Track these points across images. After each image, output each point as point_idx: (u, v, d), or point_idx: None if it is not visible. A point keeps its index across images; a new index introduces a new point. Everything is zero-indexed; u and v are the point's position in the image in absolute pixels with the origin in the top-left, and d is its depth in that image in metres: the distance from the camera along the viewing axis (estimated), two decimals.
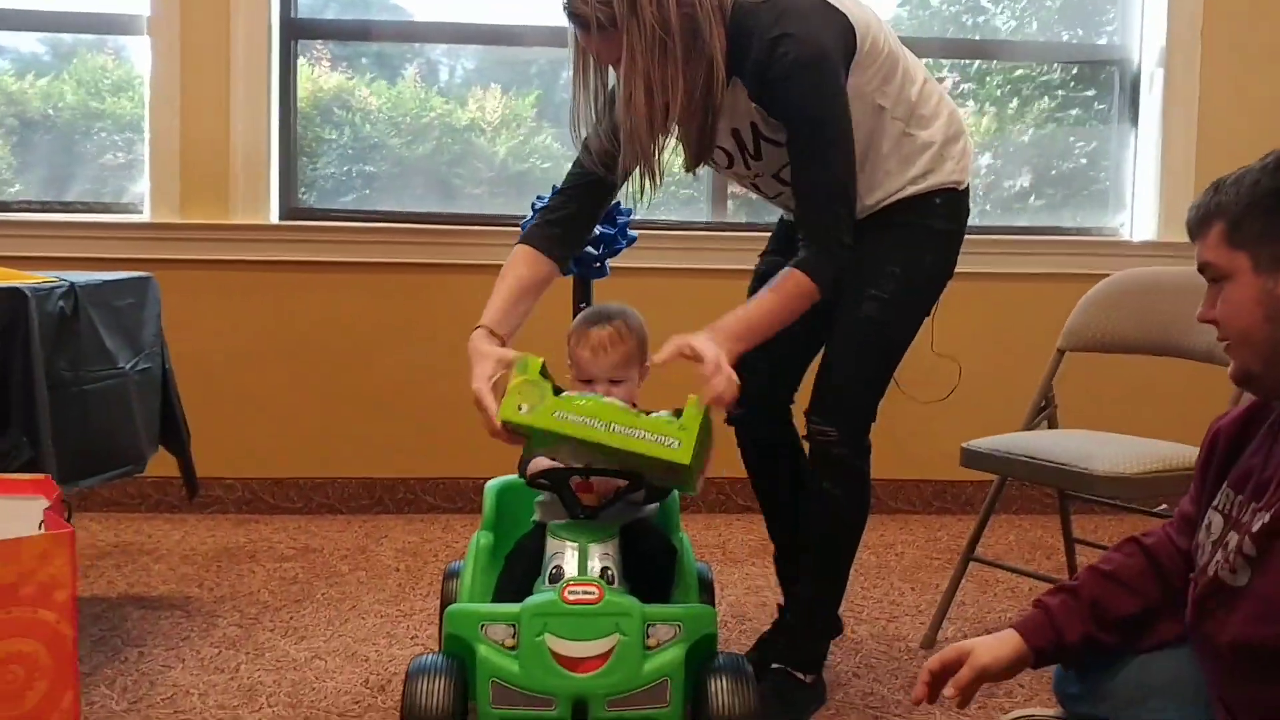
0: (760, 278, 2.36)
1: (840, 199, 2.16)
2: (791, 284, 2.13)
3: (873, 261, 2.28)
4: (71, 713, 1.76)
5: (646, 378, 2.25)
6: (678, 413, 1.95)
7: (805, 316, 2.18)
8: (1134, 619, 1.64)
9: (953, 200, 2.33)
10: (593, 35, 2.08)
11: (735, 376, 2.00)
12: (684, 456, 1.90)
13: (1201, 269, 1.58)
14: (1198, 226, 1.59)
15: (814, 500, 2.40)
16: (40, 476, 1.97)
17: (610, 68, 2.17)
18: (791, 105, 2.13)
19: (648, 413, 1.96)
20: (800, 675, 2.41)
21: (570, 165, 2.36)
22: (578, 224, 2.35)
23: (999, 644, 1.63)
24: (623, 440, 1.91)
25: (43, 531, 1.77)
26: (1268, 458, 1.51)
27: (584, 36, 2.13)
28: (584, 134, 2.24)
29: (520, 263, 2.28)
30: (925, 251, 2.35)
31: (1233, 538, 1.49)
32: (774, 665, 2.42)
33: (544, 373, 1.98)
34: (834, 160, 2.15)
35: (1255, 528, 1.46)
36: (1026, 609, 2.91)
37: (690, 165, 2.31)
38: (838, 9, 2.17)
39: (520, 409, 1.95)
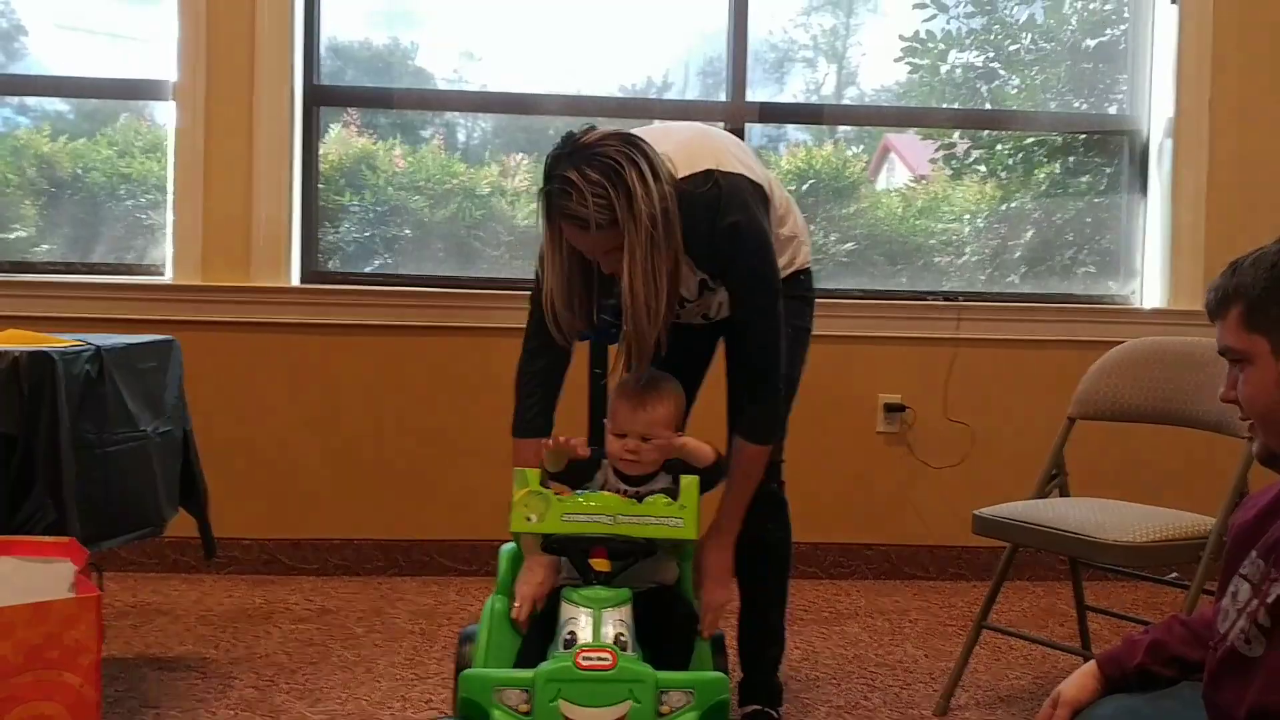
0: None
1: (778, 339, 2.46)
2: (754, 457, 2.47)
3: None
4: None
5: (676, 442, 2.34)
6: (670, 490, 2.20)
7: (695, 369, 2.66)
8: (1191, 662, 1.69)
9: (809, 276, 2.75)
10: (590, 233, 2.22)
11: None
12: (689, 533, 2.11)
13: (1222, 351, 1.60)
14: (1217, 308, 1.61)
15: (755, 544, 2.58)
16: (68, 540, 2.00)
17: (585, 256, 2.34)
18: (742, 275, 2.42)
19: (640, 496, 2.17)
20: (774, 712, 2.63)
21: (533, 350, 2.50)
22: (555, 392, 2.53)
23: (1080, 676, 1.74)
24: (629, 529, 2.11)
25: (72, 595, 1.77)
26: None
27: (578, 234, 2.25)
28: (560, 314, 2.38)
29: (529, 452, 2.40)
30: (805, 317, 2.73)
31: (1254, 605, 1.51)
32: (751, 709, 2.62)
33: (543, 481, 2.17)
34: (775, 312, 2.45)
35: (1271, 598, 1.47)
36: (1040, 676, 2.95)
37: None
38: (756, 181, 2.45)
39: (529, 519, 2.13)
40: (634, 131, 2.31)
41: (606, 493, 2.18)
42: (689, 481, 2.13)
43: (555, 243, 2.32)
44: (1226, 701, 1.53)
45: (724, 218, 2.36)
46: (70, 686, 1.72)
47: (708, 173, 2.37)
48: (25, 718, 1.67)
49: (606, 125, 2.31)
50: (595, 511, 2.10)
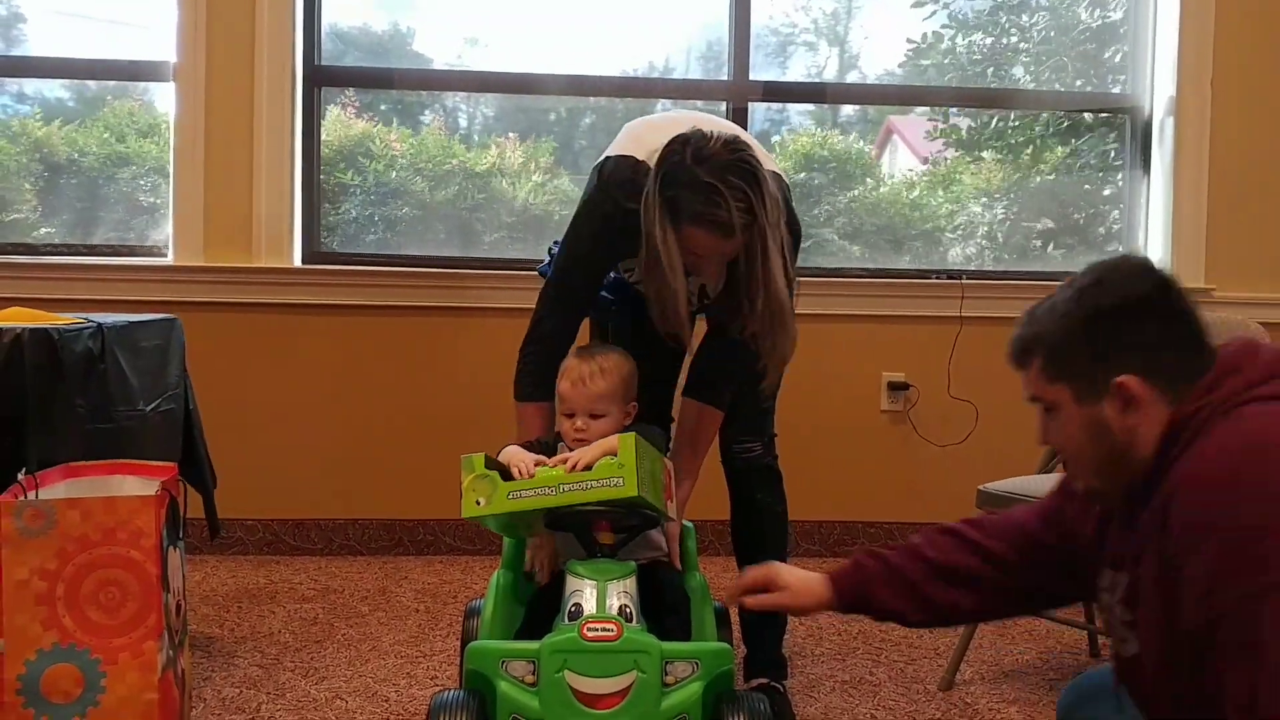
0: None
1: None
2: (716, 420, 2.53)
3: None
4: (156, 628, 2.16)
5: (633, 416, 2.35)
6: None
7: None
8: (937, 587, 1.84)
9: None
10: (732, 239, 2.22)
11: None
12: (630, 489, 2.03)
13: (1030, 400, 1.64)
14: (1019, 359, 1.64)
15: (752, 515, 2.69)
16: (163, 464, 2.44)
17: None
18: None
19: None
20: (780, 685, 2.66)
21: (546, 331, 2.50)
22: (559, 361, 2.50)
23: (807, 590, 1.89)
24: (573, 496, 2.07)
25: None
26: (1126, 536, 1.58)
27: (715, 240, 2.23)
28: (673, 320, 2.36)
29: (536, 417, 2.45)
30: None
31: (1118, 610, 1.59)
32: (758, 682, 2.63)
33: (489, 464, 2.15)
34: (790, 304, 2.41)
35: (1120, 592, 1.58)
36: (1045, 651, 2.95)
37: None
38: (778, 174, 2.44)
39: (478, 504, 2.12)
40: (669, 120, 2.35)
41: (549, 467, 2.15)
42: (626, 439, 2.07)
43: (668, 249, 2.25)
44: (1139, 699, 1.62)
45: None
46: (135, 560, 2.16)
47: (774, 174, 2.38)
48: (102, 579, 2.15)
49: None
50: (539, 485, 2.09)
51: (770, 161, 2.45)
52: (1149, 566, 1.51)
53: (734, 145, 2.23)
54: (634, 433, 2.11)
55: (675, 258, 2.26)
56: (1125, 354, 1.52)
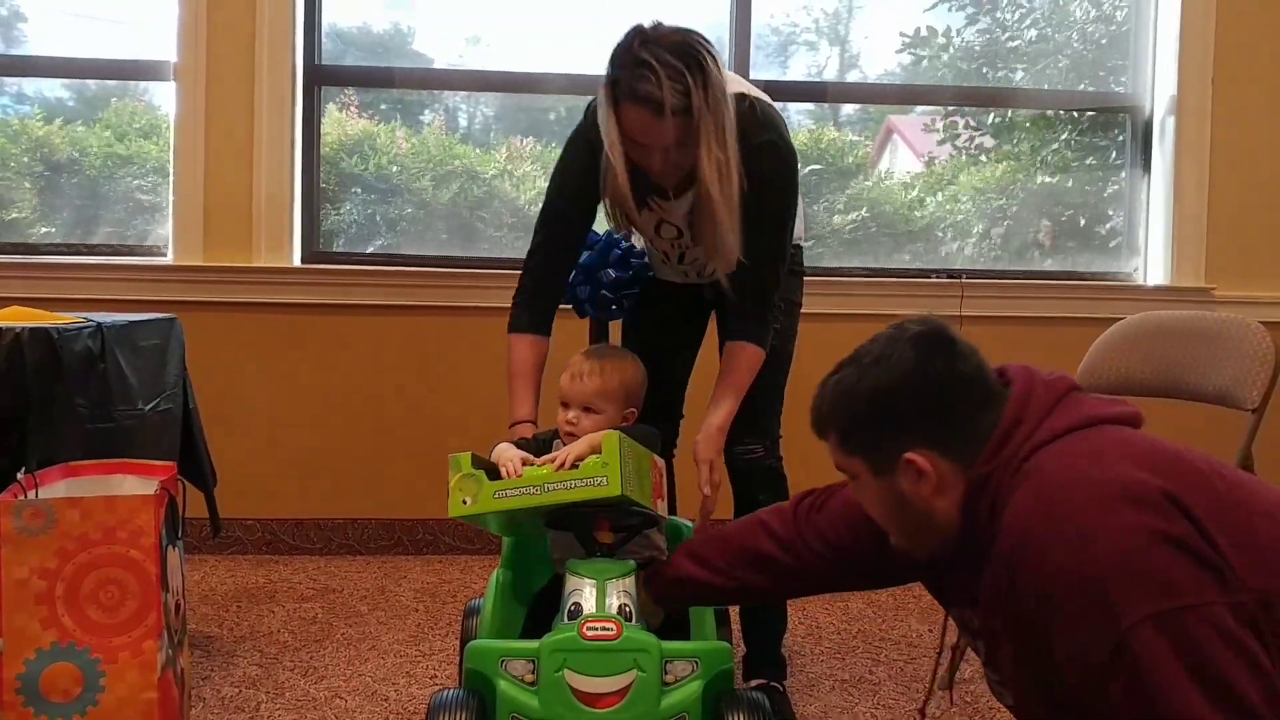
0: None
1: (783, 260, 2.51)
2: (750, 359, 2.47)
3: None
4: (156, 628, 2.17)
5: (632, 421, 2.33)
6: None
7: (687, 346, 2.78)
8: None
9: (800, 252, 2.72)
10: (663, 119, 2.22)
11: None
12: (614, 489, 2.01)
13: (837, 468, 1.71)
14: (817, 433, 1.70)
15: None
16: (161, 464, 2.45)
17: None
18: (767, 193, 2.40)
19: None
20: (779, 685, 2.68)
21: (541, 246, 2.58)
22: (555, 295, 2.59)
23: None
24: (557, 495, 2.05)
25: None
26: (966, 588, 1.62)
27: (648, 120, 2.24)
28: (625, 205, 2.42)
29: (528, 351, 2.50)
30: (797, 291, 2.71)
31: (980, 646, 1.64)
32: (757, 682, 2.63)
33: (475, 463, 2.13)
34: (786, 234, 2.50)
35: (983, 656, 1.64)
36: None
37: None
38: (781, 116, 2.51)
39: (465, 503, 2.11)
40: None
41: (537, 466, 2.14)
42: (610, 437, 2.05)
43: (609, 131, 2.30)
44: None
45: (759, 135, 2.39)
46: (135, 560, 2.17)
47: (740, 95, 2.40)
48: (101, 578, 2.16)
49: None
50: (524, 484, 2.07)
51: (755, 91, 2.50)
52: (1005, 634, 1.53)
53: (687, 33, 2.27)
54: (618, 431, 2.10)
55: (615, 139, 2.29)
56: (909, 431, 1.57)
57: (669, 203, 2.48)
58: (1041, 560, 1.43)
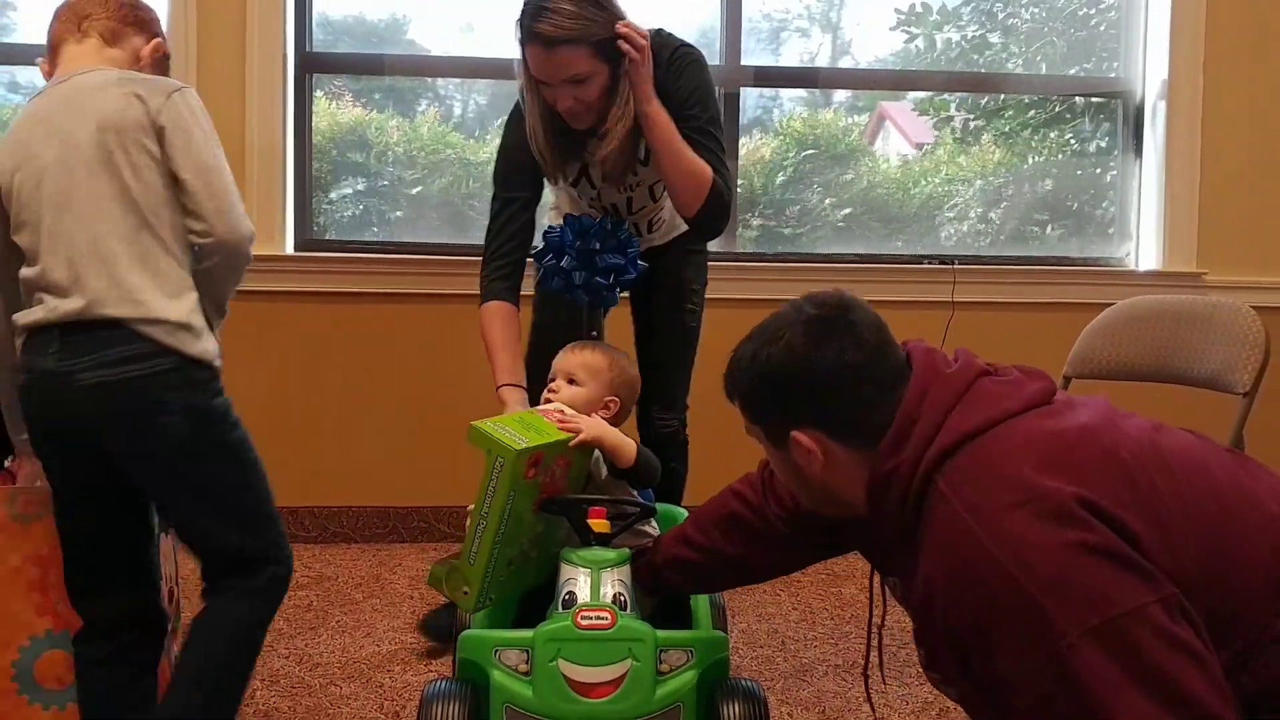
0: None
1: (724, 165, 2.68)
2: (705, 166, 2.61)
3: (683, 282, 2.98)
4: None
5: (609, 414, 2.32)
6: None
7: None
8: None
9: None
10: (559, 52, 2.47)
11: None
12: (507, 452, 1.95)
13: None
14: (728, 397, 1.73)
15: (670, 481, 2.83)
16: None
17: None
18: (692, 104, 2.64)
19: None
20: None
21: (497, 214, 2.77)
22: (521, 264, 2.75)
23: None
24: (493, 517, 1.98)
25: None
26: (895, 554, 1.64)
27: (547, 55, 2.49)
28: (544, 149, 2.66)
29: (503, 318, 2.66)
30: (705, 270, 3.04)
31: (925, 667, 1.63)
32: None
33: (442, 566, 2.09)
34: (721, 143, 2.68)
35: (921, 657, 1.62)
36: None
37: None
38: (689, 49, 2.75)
39: (465, 592, 2.06)
40: None
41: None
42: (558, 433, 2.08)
43: (531, 88, 2.58)
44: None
45: (666, 51, 2.65)
46: None
47: (658, 30, 2.69)
48: None
49: None
50: (473, 535, 2.02)
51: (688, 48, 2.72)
52: (939, 644, 1.52)
53: None
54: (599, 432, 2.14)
55: (528, 83, 2.59)
56: (795, 412, 1.61)
57: (597, 143, 2.65)
58: (968, 592, 1.43)
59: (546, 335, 2.82)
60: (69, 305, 1.91)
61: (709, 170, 2.60)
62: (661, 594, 2.15)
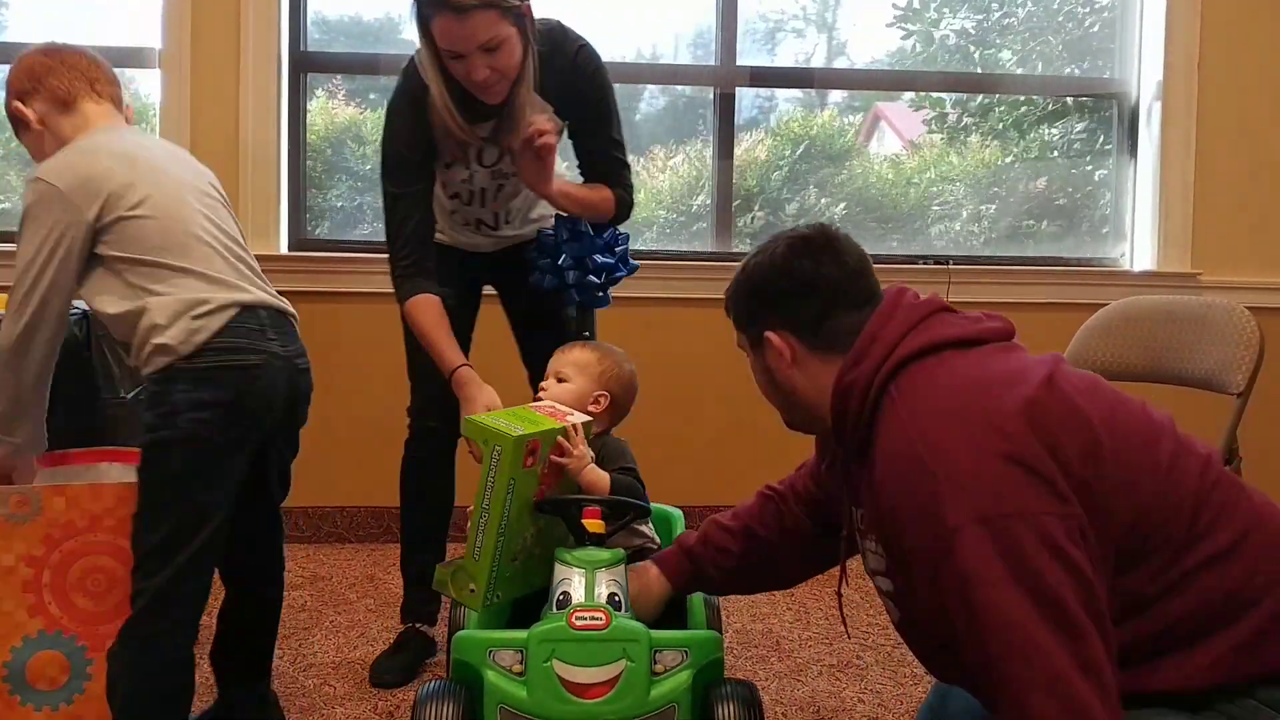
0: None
1: (624, 151, 2.78)
2: (607, 195, 2.73)
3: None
4: None
5: (599, 409, 2.30)
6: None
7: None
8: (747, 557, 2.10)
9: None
10: (468, 19, 2.39)
11: None
12: (504, 440, 1.97)
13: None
14: (726, 310, 1.89)
15: None
16: (136, 450, 2.25)
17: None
18: (592, 103, 2.69)
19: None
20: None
21: (393, 209, 2.76)
22: (431, 253, 2.75)
23: (647, 597, 2.09)
24: (494, 511, 1.99)
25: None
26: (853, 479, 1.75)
27: (455, 24, 2.40)
28: (454, 118, 2.59)
29: (433, 309, 2.66)
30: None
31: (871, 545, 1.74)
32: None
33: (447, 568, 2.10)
34: (622, 143, 2.76)
35: (871, 564, 1.76)
36: None
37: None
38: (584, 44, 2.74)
39: (471, 590, 2.06)
40: None
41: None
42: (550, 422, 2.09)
43: (435, 66, 2.51)
44: (920, 658, 1.77)
45: (570, 46, 2.64)
46: (122, 547, 2.14)
47: (542, 18, 2.61)
48: (88, 566, 2.17)
49: None
50: (472, 546, 2.03)
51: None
52: (892, 551, 1.62)
53: None
54: (582, 421, 2.13)
55: (432, 62, 2.51)
56: (770, 313, 1.77)
57: (485, 122, 2.63)
58: (893, 480, 1.55)
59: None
60: (266, 296, 2.27)
61: (610, 197, 2.73)
62: (689, 589, 2.18)
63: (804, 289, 1.75)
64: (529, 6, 2.50)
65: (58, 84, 2.25)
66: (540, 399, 2.29)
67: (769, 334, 1.75)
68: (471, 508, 2.02)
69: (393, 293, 4.00)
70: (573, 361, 2.32)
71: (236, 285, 2.21)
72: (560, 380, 2.31)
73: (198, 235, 2.20)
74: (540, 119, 2.56)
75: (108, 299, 2.12)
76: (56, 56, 2.29)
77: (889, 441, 1.57)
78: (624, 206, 2.77)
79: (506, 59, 2.48)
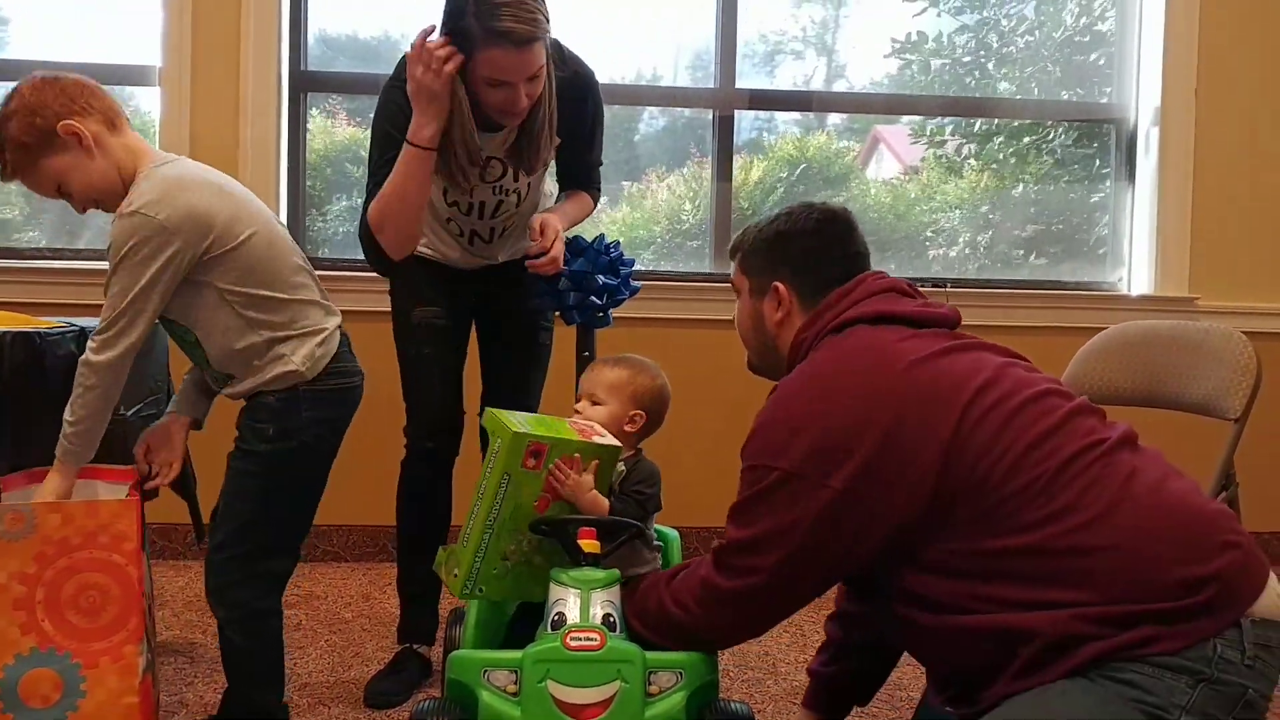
0: None
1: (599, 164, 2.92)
2: (587, 202, 2.90)
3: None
4: (137, 632, 2.19)
5: (635, 428, 2.30)
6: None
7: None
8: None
9: None
10: (530, 50, 2.43)
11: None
12: (504, 434, 2.04)
13: (731, 285, 2.14)
14: (730, 254, 2.15)
15: None
16: (128, 468, 2.43)
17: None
18: (587, 122, 2.78)
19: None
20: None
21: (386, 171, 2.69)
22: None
23: None
24: (484, 504, 2.05)
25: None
26: None
27: (518, 55, 2.42)
28: (466, 152, 2.62)
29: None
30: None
31: None
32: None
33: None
34: (601, 143, 2.88)
35: None
36: None
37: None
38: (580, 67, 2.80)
39: (455, 574, 2.11)
40: None
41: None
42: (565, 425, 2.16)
43: (463, 88, 2.51)
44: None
45: (569, 65, 2.68)
46: (117, 565, 2.18)
47: (554, 40, 2.63)
48: (82, 583, 2.17)
49: None
50: (469, 521, 2.08)
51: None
52: None
53: None
54: (611, 446, 2.14)
55: (468, 84, 2.50)
56: (787, 268, 2.02)
57: (492, 135, 2.65)
58: (771, 406, 1.90)
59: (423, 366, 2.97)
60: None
61: (589, 202, 2.92)
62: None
63: (822, 256, 2.01)
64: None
65: (103, 104, 2.32)
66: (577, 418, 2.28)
67: (778, 283, 2.01)
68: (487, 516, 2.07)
69: (388, 311, 4.02)
70: (606, 383, 2.30)
71: (330, 307, 2.50)
72: (594, 403, 2.29)
73: (297, 263, 2.43)
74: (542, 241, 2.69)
75: (231, 333, 2.31)
76: (68, 79, 2.33)
77: (780, 391, 1.90)
78: (595, 202, 2.95)
79: (539, 85, 2.52)
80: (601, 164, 2.93)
